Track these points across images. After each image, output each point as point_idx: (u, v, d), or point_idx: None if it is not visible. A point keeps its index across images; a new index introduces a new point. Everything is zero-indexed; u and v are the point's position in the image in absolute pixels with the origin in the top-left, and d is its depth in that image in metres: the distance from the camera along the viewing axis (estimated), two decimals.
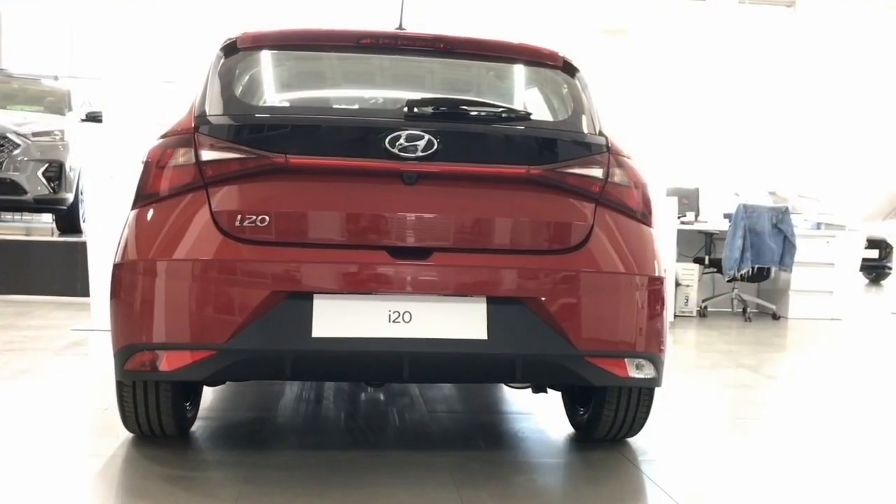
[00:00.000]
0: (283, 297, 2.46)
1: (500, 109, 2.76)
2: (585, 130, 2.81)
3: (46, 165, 8.21)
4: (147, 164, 2.61)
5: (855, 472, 2.97)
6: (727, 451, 3.15)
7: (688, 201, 8.52)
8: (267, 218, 2.50)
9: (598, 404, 2.98)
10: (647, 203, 2.81)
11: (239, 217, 2.50)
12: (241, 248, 2.48)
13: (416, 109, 2.62)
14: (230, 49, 2.83)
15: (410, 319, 2.50)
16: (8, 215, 10.76)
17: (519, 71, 3.08)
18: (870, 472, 2.98)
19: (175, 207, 2.54)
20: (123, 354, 2.53)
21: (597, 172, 2.72)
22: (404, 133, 2.55)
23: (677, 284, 7.69)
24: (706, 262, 8.01)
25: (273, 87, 2.95)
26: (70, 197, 8.54)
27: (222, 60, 2.81)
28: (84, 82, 11.37)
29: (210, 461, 2.77)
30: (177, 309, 2.48)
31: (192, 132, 2.59)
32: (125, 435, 2.92)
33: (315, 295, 2.47)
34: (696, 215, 8.50)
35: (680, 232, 7.62)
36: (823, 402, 4.20)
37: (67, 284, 7.12)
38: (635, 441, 3.12)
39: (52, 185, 8.27)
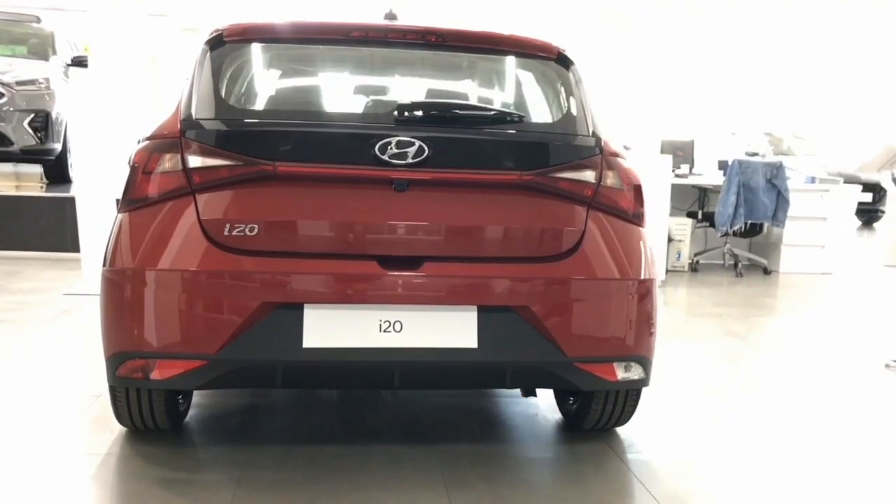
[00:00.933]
0: (274, 307, 2.45)
1: (492, 112, 2.70)
2: (578, 131, 2.76)
3: (32, 115, 8.08)
4: (134, 169, 2.56)
5: (848, 467, 3.03)
6: (714, 442, 3.20)
7: (682, 154, 8.46)
8: (256, 227, 2.47)
9: (586, 397, 3.02)
10: (639, 203, 2.79)
11: (227, 226, 2.47)
12: (231, 259, 2.45)
13: (406, 114, 2.57)
14: (216, 42, 2.75)
15: (401, 329, 2.50)
16: None
17: (512, 63, 3.01)
18: (863, 462, 3.05)
19: (163, 214, 2.50)
20: (114, 361, 2.54)
21: (589, 176, 2.68)
22: (395, 140, 2.50)
23: (670, 240, 7.71)
24: (699, 216, 8.01)
25: (261, 85, 2.87)
26: (58, 147, 8.44)
27: (208, 55, 2.73)
28: (70, 15, 11.07)
29: (203, 460, 2.80)
30: (167, 318, 2.47)
31: (179, 136, 2.54)
32: (118, 428, 2.95)
33: (305, 305, 2.46)
34: (691, 168, 8.46)
35: (673, 186, 7.59)
36: (810, 379, 4.26)
37: (58, 240, 7.10)
38: (623, 431, 3.17)
39: (39, 135, 8.17)
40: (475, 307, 2.53)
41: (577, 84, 2.88)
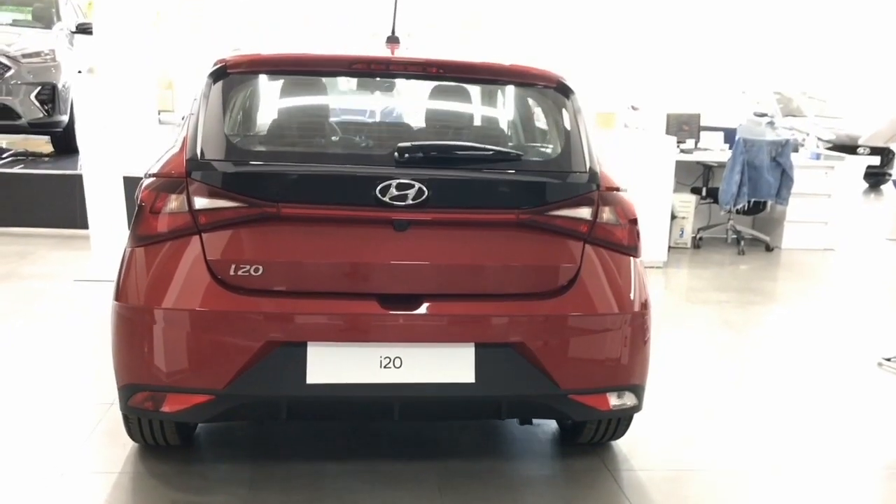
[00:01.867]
0: (278, 345, 2.54)
1: (490, 152, 2.75)
2: (575, 166, 2.81)
3: (39, 88, 8.11)
4: (141, 207, 2.64)
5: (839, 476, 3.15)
6: (706, 452, 3.32)
7: (688, 128, 8.43)
8: (260, 267, 2.56)
9: None
10: (635, 236, 2.85)
11: (233, 266, 2.55)
12: (236, 299, 2.54)
13: (406, 155, 2.62)
14: (220, 74, 2.79)
15: (401, 365, 2.59)
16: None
17: (512, 92, 3.04)
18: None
19: (170, 253, 2.59)
20: (126, 392, 2.65)
21: (585, 213, 2.74)
22: (395, 182, 2.56)
23: (673, 217, 7.73)
24: (703, 192, 8.03)
25: (264, 121, 2.92)
26: (65, 119, 8.48)
27: (212, 87, 2.77)
28: None
29: (212, 479, 2.92)
30: (175, 354, 2.57)
31: (185, 176, 2.60)
32: (130, 443, 3.07)
33: (309, 343, 2.56)
34: (696, 142, 8.43)
35: (678, 163, 7.59)
36: (803, 380, 4.35)
37: (67, 216, 7.16)
38: (619, 445, 3.28)
39: (46, 107, 8.21)
40: (473, 344, 2.62)
41: (576, 114, 2.91)
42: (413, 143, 2.65)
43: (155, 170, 2.72)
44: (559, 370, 2.67)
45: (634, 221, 2.84)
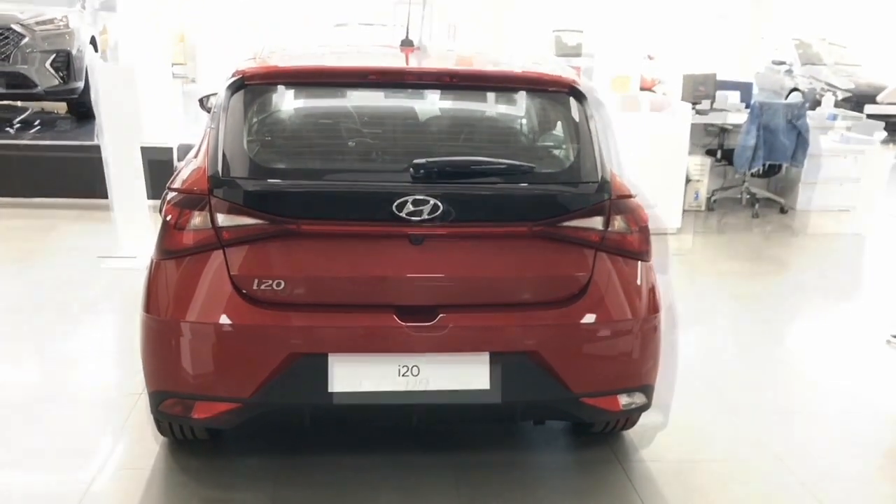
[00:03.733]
0: (301, 356, 2.65)
1: (503, 166, 2.81)
2: (587, 176, 2.85)
3: (54, 56, 8.15)
4: (166, 222, 2.72)
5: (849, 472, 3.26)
6: (722, 448, 3.43)
7: (704, 89, 8.36)
8: (282, 282, 2.65)
9: None
10: (645, 242, 2.91)
11: (256, 281, 2.65)
12: (260, 313, 2.65)
13: (422, 171, 2.68)
14: (237, 86, 2.84)
15: (419, 373, 2.70)
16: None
17: (525, 98, 3.08)
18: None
19: (196, 267, 2.68)
20: (156, 398, 2.78)
21: (597, 223, 2.81)
22: (411, 199, 2.63)
23: (688, 180, 7.74)
24: (718, 154, 8.02)
25: (282, 133, 2.98)
26: (80, 85, 8.53)
27: (230, 100, 2.82)
28: None
29: (240, 474, 3.06)
30: (203, 365, 2.69)
31: (207, 193, 2.68)
32: (160, 438, 3.21)
33: (330, 354, 2.67)
34: (712, 103, 8.37)
35: (693, 125, 7.56)
36: (813, 359, 4.43)
37: (86, 187, 7.24)
38: (629, 435, 3.40)
39: (61, 74, 8.25)
40: (488, 352, 2.72)
41: (588, 119, 2.95)
42: (428, 159, 2.71)
43: (177, 184, 2.80)
44: (571, 375, 2.77)
45: (645, 228, 2.90)
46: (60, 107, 9.42)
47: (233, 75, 2.87)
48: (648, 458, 3.28)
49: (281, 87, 2.93)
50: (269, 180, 2.73)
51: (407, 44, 3.11)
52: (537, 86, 2.99)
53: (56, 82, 8.21)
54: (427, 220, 2.65)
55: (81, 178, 7.27)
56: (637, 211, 2.90)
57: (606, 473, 3.15)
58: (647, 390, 2.96)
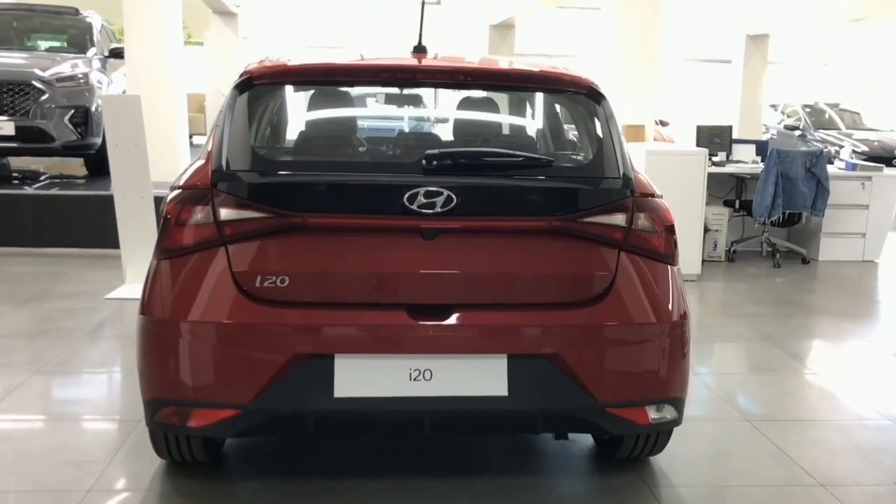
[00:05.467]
0: (305, 357, 2.49)
1: (520, 158, 2.69)
2: (608, 172, 2.74)
3: (73, 111, 8.23)
4: (166, 220, 2.61)
5: None
6: (754, 473, 3.20)
7: (720, 141, 8.32)
8: (287, 278, 2.51)
9: None
10: (671, 243, 2.76)
11: (259, 278, 2.51)
12: (263, 311, 2.50)
13: (434, 163, 2.57)
14: (245, 85, 2.76)
15: (431, 377, 2.53)
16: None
17: (542, 99, 2.98)
18: None
19: (196, 265, 2.55)
20: (152, 406, 2.61)
21: (620, 220, 2.67)
22: (423, 190, 2.51)
23: (706, 230, 7.60)
24: (736, 205, 7.89)
25: (289, 131, 2.89)
26: (98, 141, 8.58)
27: (238, 99, 2.74)
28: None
29: (240, 497, 2.87)
30: (201, 368, 2.53)
31: (210, 187, 2.57)
32: (157, 460, 3.03)
33: (336, 355, 2.50)
34: (728, 155, 8.31)
35: (710, 175, 7.47)
36: (844, 395, 4.21)
37: (99, 236, 7.21)
38: (657, 460, 3.18)
39: (80, 130, 8.32)
40: (505, 355, 2.55)
41: (607, 119, 2.84)
42: (441, 150, 2.59)
43: (180, 182, 2.70)
44: (596, 382, 2.59)
45: (671, 228, 2.75)
46: (79, 170, 9.50)
47: (241, 75, 2.80)
48: (678, 484, 3.05)
49: (290, 87, 2.86)
50: (276, 172, 2.62)
51: (420, 50, 3.04)
52: (556, 86, 2.89)
53: (74, 137, 8.27)
54: (440, 213, 2.52)
55: (93, 229, 7.25)
56: (662, 210, 2.76)
57: (634, 499, 2.93)
58: (678, 403, 2.76)
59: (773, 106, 17.06)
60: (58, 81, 8.14)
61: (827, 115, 16.04)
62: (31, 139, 8.07)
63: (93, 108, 8.38)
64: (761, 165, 7.61)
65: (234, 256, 2.53)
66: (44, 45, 9.29)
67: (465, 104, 3.01)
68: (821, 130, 15.32)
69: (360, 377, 2.51)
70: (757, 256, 7.96)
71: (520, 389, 2.55)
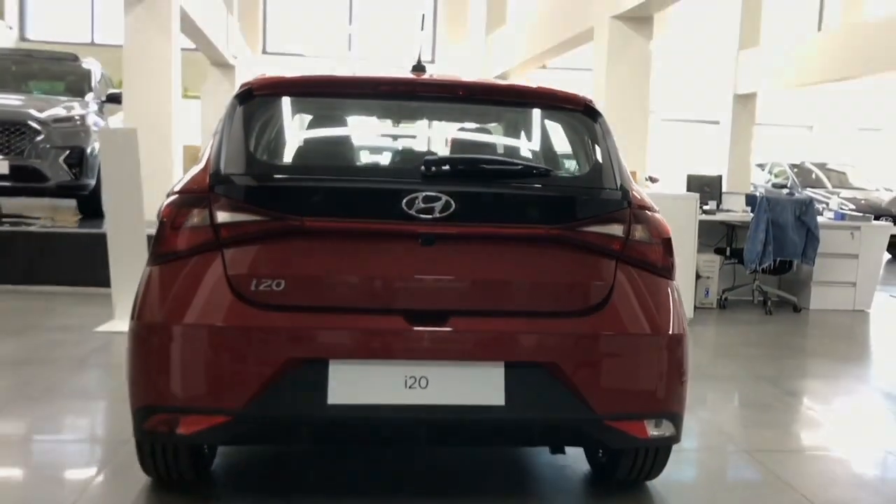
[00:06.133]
0: (299, 363, 2.45)
1: (518, 166, 2.70)
2: (606, 184, 2.75)
3: (68, 152, 8.24)
4: (162, 223, 2.59)
5: None
6: (749, 498, 3.14)
7: (709, 190, 8.41)
8: (282, 282, 2.49)
9: (616, 450, 2.97)
10: (669, 256, 2.76)
11: (254, 281, 2.48)
12: (257, 314, 2.47)
13: (433, 168, 2.57)
14: (246, 96, 2.78)
15: (427, 385, 2.48)
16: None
17: (539, 115, 3.02)
18: None
19: (190, 269, 2.53)
20: (141, 414, 2.55)
21: (617, 230, 2.67)
22: (421, 195, 2.51)
23: (698, 276, 7.62)
24: (727, 253, 7.93)
25: (289, 139, 2.90)
26: (92, 182, 8.59)
27: (237, 109, 2.76)
28: (103, 50, 11.30)
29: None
30: (193, 373, 2.49)
31: (207, 191, 2.56)
32: (143, 478, 2.94)
33: (331, 360, 2.46)
34: (718, 204, 8.39)
35: (701, 222, 7.52)
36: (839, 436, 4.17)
37: (90, 274, 7.16)
38: (654, 485, 3.12)
39: (74, 171, 8.32)
40: (502, 363, 2.52)
41: (604, 136, 2.87)
42: (440, 156, 2.60)
43: (177, 188, 2.69)
44: (594, 393, 2.55)
45: (668, 242, 2.75)
46: (71, 218, 9.47)
47: (241, 87, 2.82)
48: None
49: (289, 98, 2.87)
50: (273, 176, 2.62)
51: (418, 69, 3.07)
52: (552, 102, 2.93)
53: (68, 178, 8.27)
54: (438, 218, 2.52)
55: (85, 267, 7.20)
56: (659, 223, 2.76)
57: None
58: (676, 420, 2.72)
59: (761, 165, 17.29)
60: (54, 122, 8.18)
61: (814, 175, 16.24)
62: (26, 178, 8.06)
63: (88, 150, 8.41)
64: (751, 214, 7.68)
65: (229, 260, 2.50)
66: (42, 89, 9.36)
67: (464, 119, 3.04)
68: (808, 189, 15.51)
69: (355, 384, 2.47)
70: (748, 304, 7.97)
71: (517, 399, 2.50)
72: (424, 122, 3.01)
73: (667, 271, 2.76)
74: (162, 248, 2.58)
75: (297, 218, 2.50)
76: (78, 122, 8.45)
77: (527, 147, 3.11)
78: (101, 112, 9.18)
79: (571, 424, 2.59)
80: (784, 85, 14.70)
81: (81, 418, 3.78)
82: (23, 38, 20.02)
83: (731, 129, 15.43)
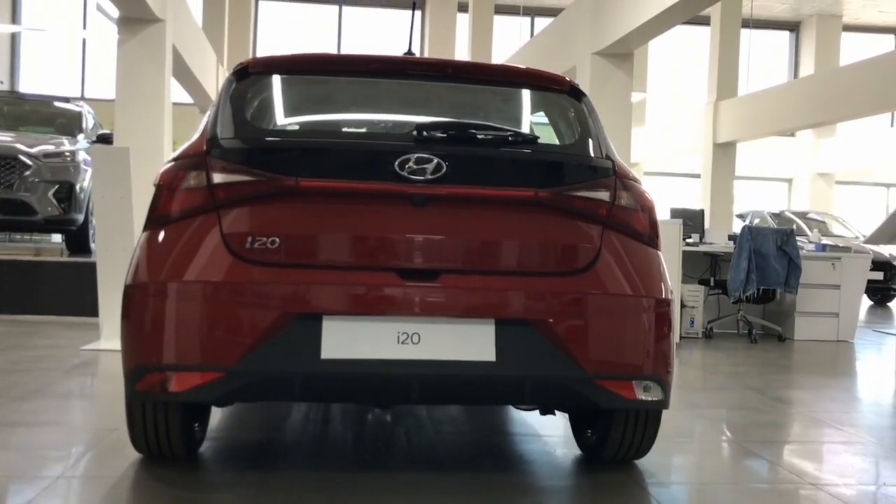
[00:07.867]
0: (293, 318, 2.48)
1: (508, 133, 2.79)
2: (592, 154, 2.84)
3: (57, 186, 8.28)
4: (159, 187, 2.65)
5: None
6: (733, 473, 3.15)
7: (692, 223, 8.55)
8: (277, 240, 2.53)
9: (605, 426, 2.98)
10: (653, 226, 2.84)
11: (249, 239, 2.53)
12: (251, 270, 2.50)
13: (425, 133, 2.65)
14: (241, 73, 2.87)
15: (419, 341, 2.51)
16: (18, 235, 10.85)
17: (526, 95, 3.12)
18: None
19: (186, 230, 2.57)
20: (134, 374, 2.55)
21: (603, 196, 2.75)
22: (413, 156, 2.58)
23: (683, 306, 7.70)
24: (711, 283, 8.02)
25: (283, 110, 2.99)
26: (80, 217, 8.61)
27: (234, 84, 2.84)
28: (95, 104, 11.51)
29: (218, 482, 2.78)
30: (187, 330, 2.50)
31: (204, 155, 2.63)
32: (134, 456, 2.93)
33: (324, 316, 2.49)
34: (701, 237, 8.53)
35: (685, 253, 7.63)
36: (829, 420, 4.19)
37: (77, 304, 7.14)
38: (642, 463, 3.12)
39: (63, 205, 8.34)
40: (493, 320, 2.55)
41: (589, 113, 2.97)
42: (432, 120, 2.68)
43: (175, 154, 2.75)
44: (583, 352, 2.59)
45: (652, 210, 2.83)
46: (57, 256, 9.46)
47: (237, 66, 2.91)
48: (669, 482, 2.98)
49: (284, 76, 2.96)
50: (268, 139, 2.69)
51: (409, 55, 3.18)
52: (539, 83, 3.03)
53: (57, 212, 8.29)
54: (430, 179, 2.59)
55: (71, 297, 7.19)
56: (643, 194, 2.85)
57: (629, 498, 2.85)
58: (663, 384, 2.75)
59: (741, 216, 17.54)
60: (44, 157, 8.24)
61: (794, 225, 16.49)
62: (13, 211, 8.08)
63: (78, 185, 8.46)
64: (734, 246, 7.81)
65: (225, 219, 2.55)
66: (34, 129, 9.44)
67: (454, 99, 3.14)
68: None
69: (348, 339, 2.49)
70: (733, 335, 8.03)
71: (507, 355, 2.54)
72: (415, 99, 3.10)
73: (652, 241, 2.83)
74: (159, 211, 2.63)
75: (292, 178, 2.56)
76: (68, 158, 8.51)
77: (515, 120, 3.21)
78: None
79: (561, 382, 2.62)
80: (762, 133, 15.07)
81: (67, 414, 3.75)
82: (13, 93, 20.26)
83: (711, 177, 15.72)
